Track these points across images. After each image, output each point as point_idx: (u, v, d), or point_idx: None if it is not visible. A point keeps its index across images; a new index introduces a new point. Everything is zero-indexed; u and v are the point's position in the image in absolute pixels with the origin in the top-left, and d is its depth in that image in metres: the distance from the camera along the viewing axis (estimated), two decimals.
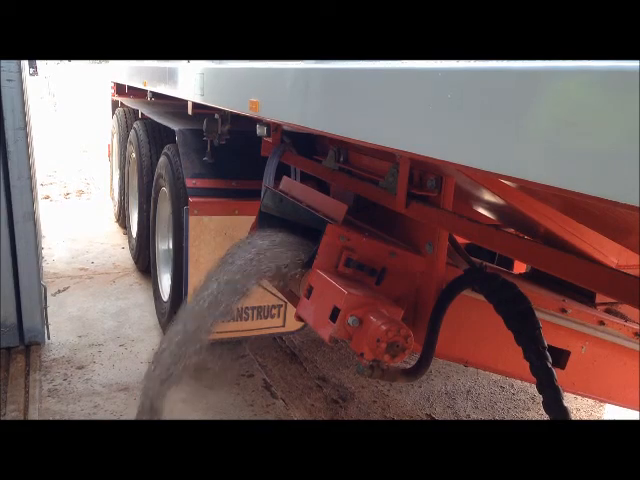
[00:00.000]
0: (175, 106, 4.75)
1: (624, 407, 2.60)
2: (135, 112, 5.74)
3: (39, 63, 25.45)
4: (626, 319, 2.44)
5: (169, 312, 3.79)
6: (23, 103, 3.46)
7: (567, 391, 2.17)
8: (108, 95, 7.20)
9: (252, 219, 2.66)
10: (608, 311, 2.49)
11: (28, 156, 3.54)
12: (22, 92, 3.45)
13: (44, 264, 5.04)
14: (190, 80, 3.26)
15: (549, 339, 1.81)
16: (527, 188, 1.84)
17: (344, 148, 2.63)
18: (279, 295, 3.03)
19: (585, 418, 3.58)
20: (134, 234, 5.32)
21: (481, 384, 3.88)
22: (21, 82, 3.42)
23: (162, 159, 3.98)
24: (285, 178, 2.74)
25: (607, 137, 0.88)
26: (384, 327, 1.75)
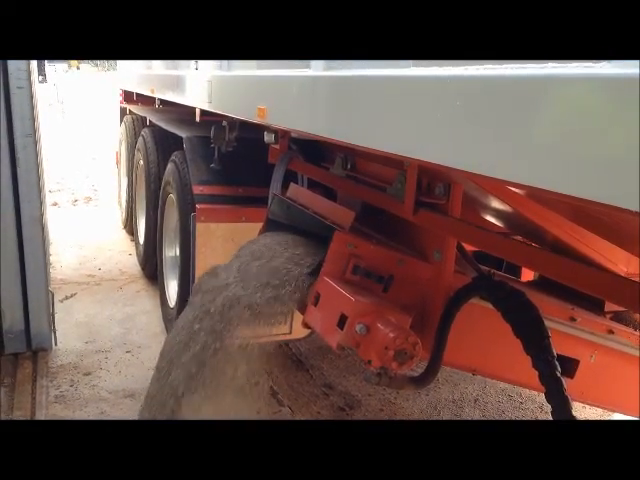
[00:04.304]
0: (183, 113, 4.76)
1: (633, 417, 2.57)
2: (143, 119, 5.77)
3: (48, 71, 25.63)
4: (636, 327, 2.42)
5: (176, 318, 3.78)
6: (32, 110, 3.48)
7: (576, 400, 2.15)
8: (116, 102, 7.24)
9: (259, 226, 2.66)
10: (621, 318, 2.47)
11: (37, 162, 3.56)
12: (31, 99, 3.47)
13: (52, 270, 5.05)
14: (198, 87, 3.28)
15: (558, 348, 1.80)
16: (535, 195, 1.83)
17: (351, 155, 2.63)
18: None
19: None
20: (141, 241, 5.33)
21: (489, 393, 3.85)
22: (30, 89, 3.45)
23: (170, 166, 3.99)
24: (292, 185, 2.74)
25: (616, 143, 0.87)
26: (392, 334, 1.74)
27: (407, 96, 1.37)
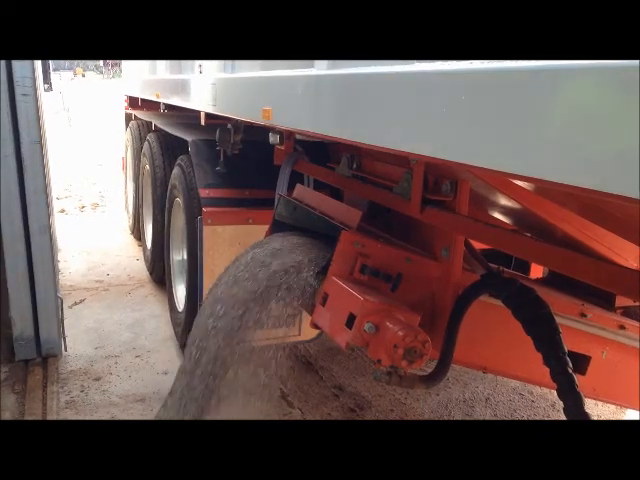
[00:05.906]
0: (188, 117, 4.77)
1: None
2: (148, 124, 5.78)
3: (53, 79, 25.76)
4: None
5: (184, 322, 3.79)
6: (38, 117, 3.49)
7: (588, 397, 2.13)
8: (122, 109, 7.26)
9: (266, 228, 2.66)
10: (631, 313, 2.45)
11: (43, 170, 3.57)
12: (37, 106, 3.48)
13: (60, 277, 5.06)
14: (202, 91, 3.28)
15: (569, 344, 1.79)
16: (542, 190, 1.82)
17: (357, 155, 2.62)
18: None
19: None
20: (149, 245, 5.34)
21: (500, 391, 3.83)
22: (36, 97, 3.46)
23: (176, 170, 3.99)
24: (298, 186, 2.73)
25: (623, 134, 0.86)
26: (401, 333, 1.73)
27: (412, 92, 1.37)
